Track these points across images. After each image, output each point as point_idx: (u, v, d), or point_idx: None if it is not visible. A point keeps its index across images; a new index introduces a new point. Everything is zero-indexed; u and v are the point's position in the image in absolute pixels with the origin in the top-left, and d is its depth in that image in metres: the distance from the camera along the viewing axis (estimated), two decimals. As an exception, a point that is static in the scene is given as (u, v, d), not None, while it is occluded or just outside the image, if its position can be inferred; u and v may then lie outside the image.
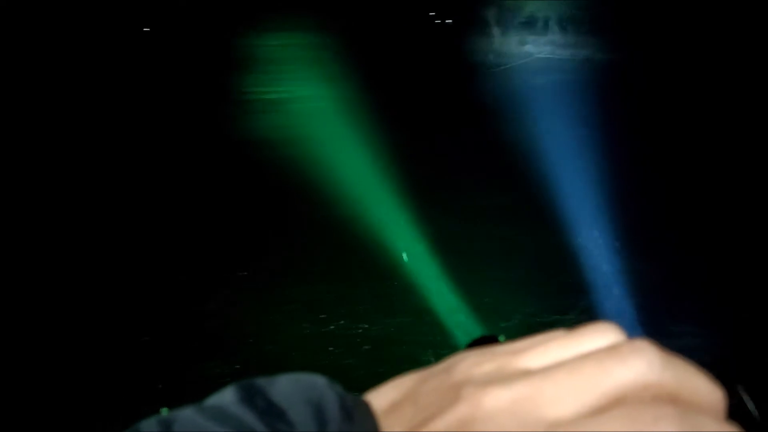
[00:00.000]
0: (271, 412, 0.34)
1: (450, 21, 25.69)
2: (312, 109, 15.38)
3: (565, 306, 8.38)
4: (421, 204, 11.00)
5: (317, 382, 0.36)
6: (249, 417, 0.33)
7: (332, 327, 8.15)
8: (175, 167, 12.91)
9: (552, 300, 8.52)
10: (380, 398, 0.36)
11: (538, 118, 14.16)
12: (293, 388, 0.35)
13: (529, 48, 22.63)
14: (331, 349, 7.63)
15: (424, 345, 7.61)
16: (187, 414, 0.33)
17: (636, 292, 8.51)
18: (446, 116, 15.59)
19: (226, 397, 0.35)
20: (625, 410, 0.30)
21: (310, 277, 9.24)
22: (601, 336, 0.35)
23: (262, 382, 0.35)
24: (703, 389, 0.33)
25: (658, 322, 7.88)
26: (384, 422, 0.35)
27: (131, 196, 11.65)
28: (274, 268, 9.35)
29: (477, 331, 7.62)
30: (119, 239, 10.24)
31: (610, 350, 0.33)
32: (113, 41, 20.83)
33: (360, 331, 8.02)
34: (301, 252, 9.80)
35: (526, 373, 0.33)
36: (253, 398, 0.34)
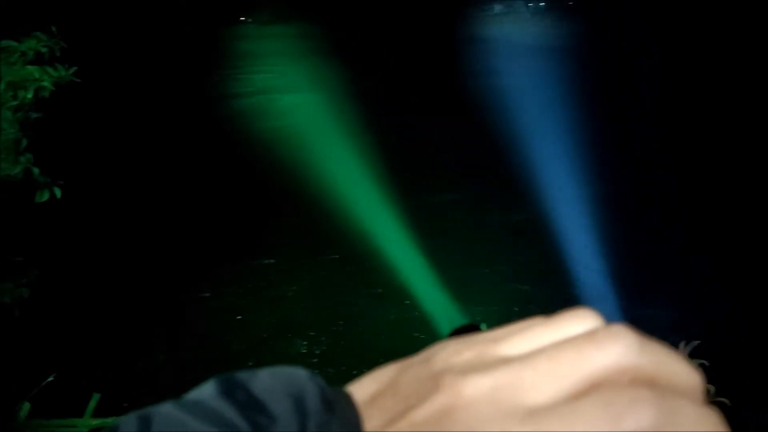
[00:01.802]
0: (251, 405, 0.33)
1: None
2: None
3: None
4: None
5: (298, 374, 0.36)
6: (229, 410, 0.33)
7: (417, 313, 8.21)
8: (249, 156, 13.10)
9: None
10: (361, 390, 0.36)
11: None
12: (274, 382, 0.35)
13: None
14: (416, 334, 7.69)
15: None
16: (166, 409, 0.34)
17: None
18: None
19: (206, 391, 0.35)
20: (602, 394, 0.30)
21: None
22: (579, 322, 0.35)
23: (243, 375, 0.35)
24: (680, 372, 0.33)
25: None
26: (365, 413, 0.35)
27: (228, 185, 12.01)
28: (364, 254, 9.47)
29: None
30: (211, 222, 10.62)
31: (588, 336, 0.33)
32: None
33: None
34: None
35: (506, 361, 0.33)
36: (233, 392, 0.34)
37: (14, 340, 6.83)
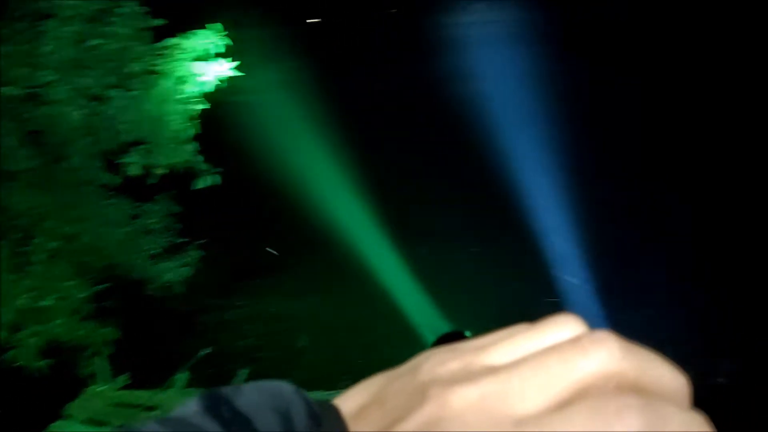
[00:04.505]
0: (237, 421, 0.33)
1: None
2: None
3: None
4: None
5: (284, 389, 0.35)
6: (213, 427, 0.33)
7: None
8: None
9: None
10: (348, 402, 0.36)
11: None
12: (260, 397, 0.34)
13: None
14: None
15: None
16: (150, 427, 0.33)
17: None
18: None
19: (190, 407, 0.34)
20: (589, 403, 0.30)
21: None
22: (563, 328, 0.35)
23: (227, 391, 0.35)
24: (665, 376, 0.33)
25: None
26: (353, 426, 0.34)
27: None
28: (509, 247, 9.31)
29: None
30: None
31: (572, 342, 0.33)
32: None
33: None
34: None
35: (492, 370, 0.33)
36: (218, 408, 0.34)
37: (174, 316, 7.44)
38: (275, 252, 7.42)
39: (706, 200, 9.63)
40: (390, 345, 7.55)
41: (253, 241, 9.67)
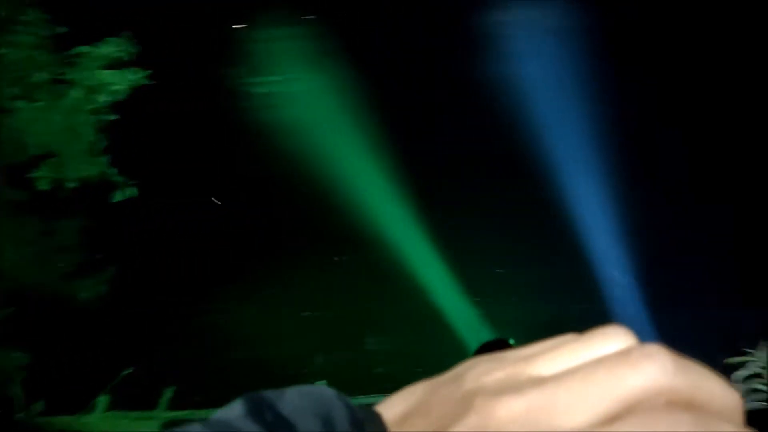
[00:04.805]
0: (280, 425, 0.33)
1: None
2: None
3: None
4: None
5: (326, 394, 0.35)
6: (257, 431, 0.33)
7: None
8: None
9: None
10: (391, 410, 0.36)
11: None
12: (302, 401, 0.35)
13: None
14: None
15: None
16: (193, 429, 0.33)
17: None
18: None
19: (234, 410, 0.34)
20: (640, 418, 0.30)
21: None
22: (612, 340, 0.34)
23: (270, 394, 0.35)
24: (718, 393, 0.32)
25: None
26: None
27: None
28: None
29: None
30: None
31: (622, 355, 0.32)
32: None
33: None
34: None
35: (539, 381, 0.33)
36: (261, 411, 0.34)
37: (92, 335, 7.12)
38: (219, 202, 7.20)
39: (748, 199, 9.82)
40: (326, 354, 7.52)
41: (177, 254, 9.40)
